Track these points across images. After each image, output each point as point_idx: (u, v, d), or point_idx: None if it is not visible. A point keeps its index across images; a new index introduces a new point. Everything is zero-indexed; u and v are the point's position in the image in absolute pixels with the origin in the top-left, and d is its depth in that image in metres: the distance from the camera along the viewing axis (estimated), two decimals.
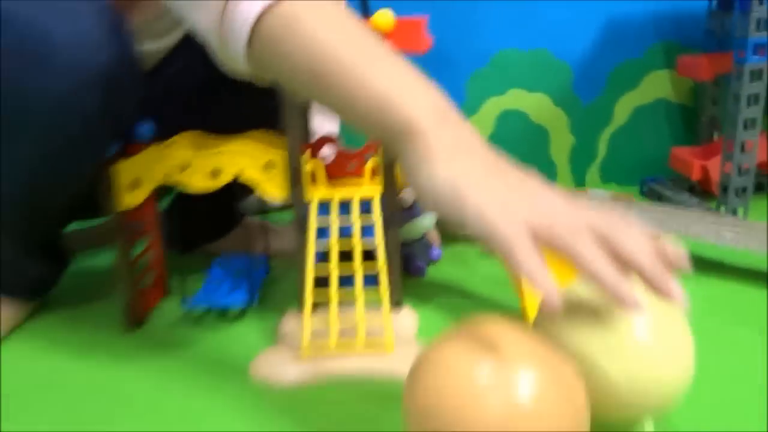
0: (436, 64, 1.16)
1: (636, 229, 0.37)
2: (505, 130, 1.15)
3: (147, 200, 0.71)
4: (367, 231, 0.64)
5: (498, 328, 0.37)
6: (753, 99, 0.81)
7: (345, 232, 0.64)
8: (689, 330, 0.41)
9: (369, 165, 0.64)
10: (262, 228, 0.80)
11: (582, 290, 0.41)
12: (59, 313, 0.73)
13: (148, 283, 0.73)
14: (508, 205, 0.36)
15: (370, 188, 0.63)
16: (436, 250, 0.83)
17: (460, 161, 0.38)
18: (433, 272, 0.82)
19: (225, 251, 0.84)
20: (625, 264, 0.36)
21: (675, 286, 0.36)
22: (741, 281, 0.75)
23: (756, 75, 0.83)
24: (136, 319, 0.68)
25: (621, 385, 0.39)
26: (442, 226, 0.85)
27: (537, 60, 1.13)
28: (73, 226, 0.85)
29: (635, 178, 1.16)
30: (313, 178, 0.64)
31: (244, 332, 0.68)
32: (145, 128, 0.67)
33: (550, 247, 0.35)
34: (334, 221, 0.62)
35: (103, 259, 0.88)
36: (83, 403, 0.56)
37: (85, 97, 0.54)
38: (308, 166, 0.63)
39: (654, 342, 0.39)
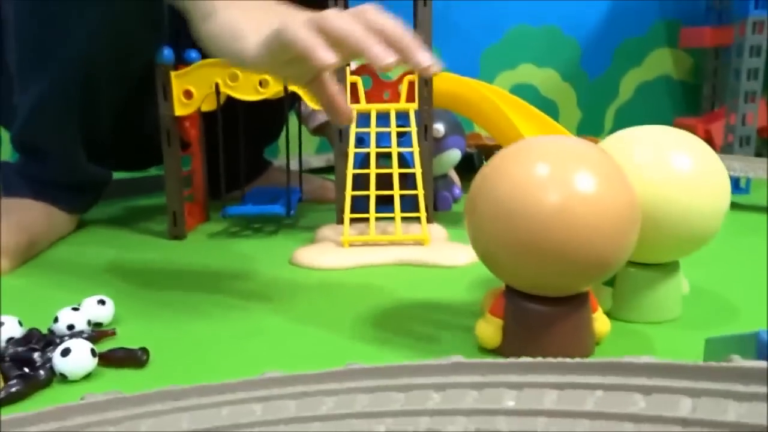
0: (453, 39, 1.22)
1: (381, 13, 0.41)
2: None
3: (193, 121, 0.76)
4: (403, 142, 0.69)
5: (559, 137, 0.42)
6: (756, 49, 0.86)
7: (383, 142, 0.68)
8: (725, 174, 0.45)
9: (404, 84, 0.69)
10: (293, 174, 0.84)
11: (631, 135, 0.46)
12: (104, 229, 0.77)
13: (192, 201, 0.77)
14: (283, 22, 0.41)
15: (406, 104, 0.68)
16: (458, 189, 0.88)
17: (236, 8, 0.45)
18: (457, 208, 0.86)
19: None
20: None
21: (423, 53, 0.39)
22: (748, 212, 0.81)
23: (755, 50, 0.89)
24: (179, 230, 0.72)
25: (665, 215, 0.43)
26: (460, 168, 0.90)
27: (547, 36, 1.19)
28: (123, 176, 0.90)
29: None
30: (354, 96, 0.69)
31: (280, 242, 0.71)
32: (195, 54, 0.72)
33: (321, 29, 0.40)
34: (373, 129, 0.67)
35: (146, 201, 0.93)
36: (130, 286, 0.59)
37: None
38: (350, 79, 0.67)
39: (694, 179, 0.43)
